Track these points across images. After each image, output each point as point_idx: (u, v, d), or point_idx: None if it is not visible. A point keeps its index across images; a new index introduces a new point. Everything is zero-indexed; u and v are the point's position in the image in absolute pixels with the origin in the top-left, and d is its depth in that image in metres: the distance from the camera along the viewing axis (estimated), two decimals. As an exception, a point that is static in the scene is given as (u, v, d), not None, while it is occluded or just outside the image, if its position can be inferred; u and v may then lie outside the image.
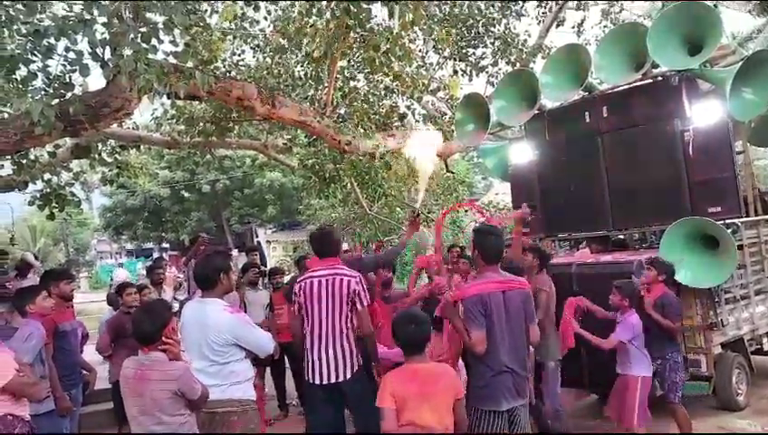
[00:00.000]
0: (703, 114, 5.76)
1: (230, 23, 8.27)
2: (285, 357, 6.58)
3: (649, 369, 4.64)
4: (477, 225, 4.71)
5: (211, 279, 3.54)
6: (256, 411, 3.56)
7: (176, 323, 3.17)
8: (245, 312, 6.52)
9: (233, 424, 3.34)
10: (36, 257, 11.59)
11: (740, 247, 5.59)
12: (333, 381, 3.99)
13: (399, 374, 3.06)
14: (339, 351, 4.02)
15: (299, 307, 4.14)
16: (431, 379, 3.02)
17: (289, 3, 7.44)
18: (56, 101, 4.58)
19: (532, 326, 3.59)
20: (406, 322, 3.14)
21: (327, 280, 4.07)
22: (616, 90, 6.49)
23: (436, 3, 8.85)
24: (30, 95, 4.30)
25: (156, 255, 37.26)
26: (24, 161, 5.77)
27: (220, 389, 3.31)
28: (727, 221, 5.55)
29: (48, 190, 6.21)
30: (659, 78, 6.20)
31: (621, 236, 6.94)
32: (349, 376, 4.01)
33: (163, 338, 3.01)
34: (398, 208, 13.21)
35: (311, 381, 4.04)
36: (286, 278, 7.37)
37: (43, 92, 4.54)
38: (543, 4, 11.24)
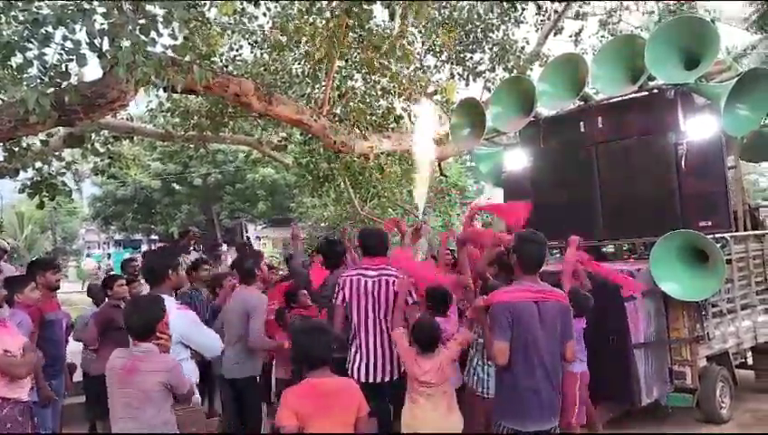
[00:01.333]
0: (697, 128, 5.81)
1: (229, 17, 8.26)
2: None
3: (584, 365, 4.75)
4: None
5: (158, 275, 3.48)
6: (200, 413, 3.52)
7: (168, 318, 3.15)
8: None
9: None
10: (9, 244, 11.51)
11: (728, 262, 5.64)
12: (378, 381, 4.09)
13: (299, 390, 2.93)
14: (386, 351, 4.14)
15: (342, 300, 4.22)
16: (331, 395, 2.90)
17: (289, 1, 7.44)
18: (52, 89, 4.54)
19: (569, 342, 3.35)
20: (305, 335, 2.98)
21: (376, 280, 4.19)
22: (612, 101, 6.52)
23: (436, 6, 8.86)
24: (25, 83, 4.27)
25: (144, 246, 37.14)
26: (17, 149, 5.72)
27: None
28: (717, 235, 5.59)
29: (39, 179, 6.16)
30: (655, 91, 6.24)
31: (612, 247, 6.97)
32: (395, 377, 4.12)
33: (157, 332, 3.00)
34: (390, 209, 13.22)
35: (362, 379, 4.07)
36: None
37: (38, 81, 4.50)
38: (542, 13, 11.27)
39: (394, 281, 4.20)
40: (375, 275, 4.23)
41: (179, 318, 3.35)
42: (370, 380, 4.09)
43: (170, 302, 3.39)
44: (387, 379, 4.12)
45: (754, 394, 6.71)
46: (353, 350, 4.20)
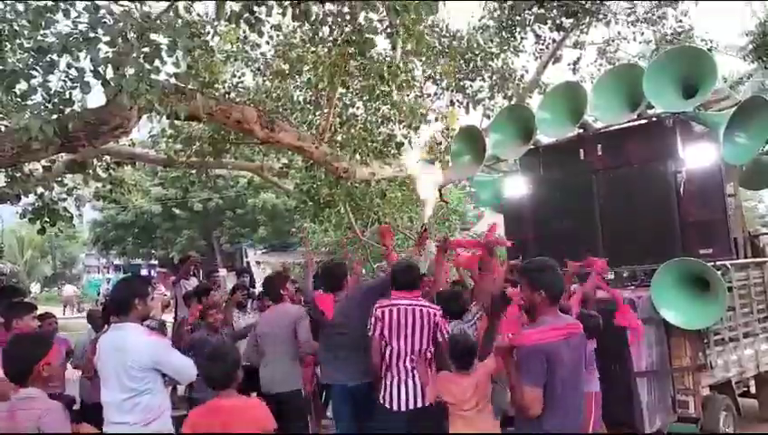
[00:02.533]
0: (696, 156, 5.84)
1: (232, 45, 8.37)
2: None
3: (598, 385, 4.71)
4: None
5: (125, 304, 3.41)
6: None
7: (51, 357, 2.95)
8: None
9: None
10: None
11: (729, 290, 5.62)
12: (412, 407, 4.10)
13: (202, 410, 2.96)
14: (419, 380, 4.16)
15: (380, 331, 4.22)
16: (235, 413, 2.91)
17: (291, 29, 7.53)
18: (55, 116, 4.58)
19: (588, 372, 3.32)
20: (210, 358, 3.02)
21: (411, 309, 4.21)
22: (611, 129, 6.56)
23: (435, 36, 8.98)
24: (29, 110, 4.31)
25: (144, 271, 37.04)
26: (19, 175, 5.76)
27: (133, 428, 3.20)
28: (718, 263, 5.58)
29: (41, 205, 6.18)
30: (654, 119, 6.29)
31: (612, 274, 6.95)
32: (427, 404, 4.13)
33: (42, 374, 2.84)
34: (390, 235, 13.21)
35: (388, 406, 4.13)
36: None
37: (42, 107, 4.55)
38: (541, 42, 11.42)
39: (435, 313, 4.26)
40: (410, 304, 4.25)
41: (151, 343, 3.32)
42: (403, 408, 4.12)
43: (139, 328, 3.38)
44: (420, 405, 4.15)
45: (759, 424, 6.63)
46: (388, 381, 4.22)
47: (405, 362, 4.19)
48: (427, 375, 4.20)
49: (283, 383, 4.95)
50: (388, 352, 4.22)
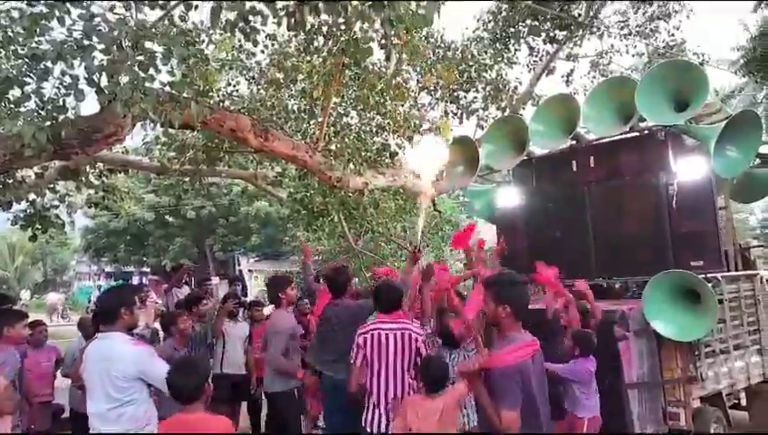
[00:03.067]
0: (687, 169, 5.89)
1: (227, 54, 8.38)
2: (263, 393, 6.48)
3: (595, 410, 4.67)
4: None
5: (112, 313, 3.40)
6: None
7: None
8: (223, 344, 6.47)
9: None
10: None
11: (720, 302, 5.65)
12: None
13: (166, 424, 2.95)
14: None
15: (363, 358, 4.21)
16: (198, 429, 2.89)
17: (286, 38, 7.55)
18: (48, 123, 4.56)
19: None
20: (176, 372, 3.00)
21: (393, 334, 4.18)
22: (603, 141, 6.62)
23: (430, 47, 9.02)
24: (22, 117, 4.29)
25: (135, 278, 36.85)
26: (11, 181, 5.72)
27: None
28: (709, 275, 5.61)
29: (32, 211, 6.15)
30: (646, 132, 6.34)
31: (604, 285, 6.98)
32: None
33: None
34: (382, 244, 13.21)
35: (369, 429, 4.13)
36: (266, 310, 7.30)
37: (35, 114, 4.53)
38: (534, 54, 11.50)
39: (417, 337, 4.20)
40: (395, 328, 4.22)
41: (136, 352, 3.31)
42: (384, 430, 4.10)
43: (124, 337, 3.36)
44: None
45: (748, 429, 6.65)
46: (371, 404, 4.20)
47: (389, 386, 4.17)
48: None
49: (273, 385, 5.26)
50: (369, 376, 4.21)
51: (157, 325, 6.80)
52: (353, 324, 4.50)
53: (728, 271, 6.15)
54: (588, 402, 4.67)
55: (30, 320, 5.60)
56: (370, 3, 3.78)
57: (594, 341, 4.81)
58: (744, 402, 6.89)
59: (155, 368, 3.30)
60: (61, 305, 30.42)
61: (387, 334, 4.19)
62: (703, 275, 5.49)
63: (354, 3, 4.14)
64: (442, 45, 9.88)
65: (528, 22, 11.24)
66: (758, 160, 7.26)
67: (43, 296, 38.49)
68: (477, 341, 4.42)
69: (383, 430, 4.09)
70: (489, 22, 11.53)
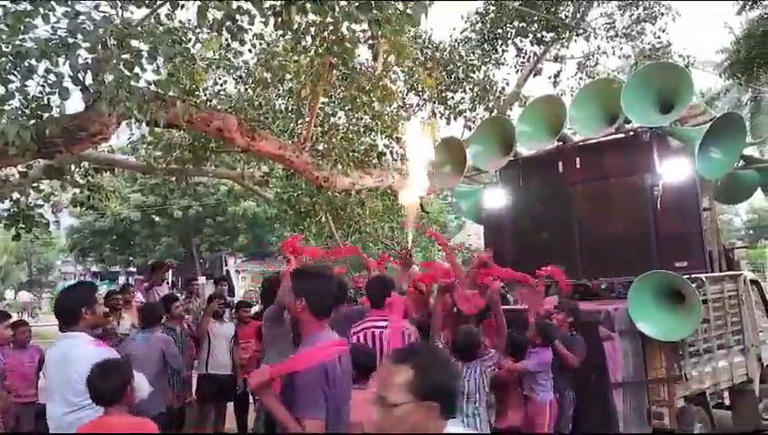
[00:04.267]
0: (672, 170, 5.93)
1: (214, 53, 8.34)
2: (249, 393, 6.46)
3: (552, 394, 4.95)
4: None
5: (72, 313, 3.24)
6: None
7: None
8: (209, 344, 6.44)
9: None
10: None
11: (704, 302, 5.70)
12: None
13: (89, 427, 2.85)
14: None
15: None
16: (123, 432, 2.81)
17: (273, 37, 7.53)
18: (32, 122, 4.52)
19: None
20: (97, 373, 2.89)
21: (387, 332, 4.06)
22: (589, 142, 6.65)
23: (418, 47, 9.03)
24: (6, 115, 4.24)
25: (122, 278, 36.58)
26: (-6, 180, 5.68)
27: None
28: (693, 276, 5.66)
29: (16, 210, 6.09)
30: (631, 133, 6.38)
31: (590, 285, 7.02)
32: None
33: None
34: (370, 244, 13.20)
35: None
36: (254, 310, 7.28)
37: (19, 113, 4.49)
38: (522, 55, 11.55)
39: (410, 334, 4.11)
40: (384, 326, 4.10)
41: (97, 354, 3.10)
42: None
43: (84, 338, 3.22)
44: None
45: (732, 429, 6.71)
46: None
47: None
48: None
49: None
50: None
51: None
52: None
53: (712, 272, 6.21)
54: (548, 387, 4.94)
55: (12, 320, 5.57)
56: (357, 4, 3.78)
57: (555, 331, 5.01)
58: (727, 402, 6.96)
59: None
60: (32, 305, 30.03)
61: (380, 332, 4.10)
62: (687, 276, 5.52)
63: (342, 3, 4.15)
64: (430, 46, 9.90)
65: (516, 23, 11.30)
66: (742, 162, 7.35)
67: (42, 297, 38.17)
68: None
69: None
70: (477, 23, 11.57)
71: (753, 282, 7.08)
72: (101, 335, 5.25)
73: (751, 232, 39.50)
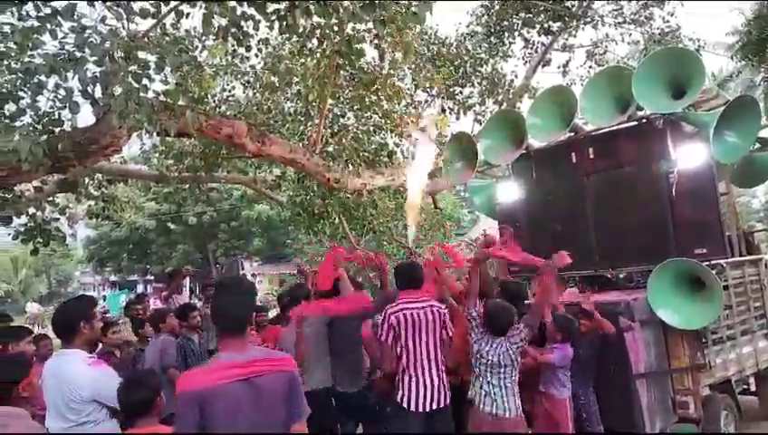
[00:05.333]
0: (687, 156, 5.84)
1: (221, 59, 8.37)
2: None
3: (570, 391, 4.91)
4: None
5: (69, 328, 3.17)
6: None
7: (32, 378, 2.94)
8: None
9: None
10: None
11: (726, 288, 5.63)
12: (435, 407, 4.25)
13: None
14: (441, 379, 4.34)
15: (394, 338, 4.34)
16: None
17: (279, 41, 7.54)
18: (44, 137, 4.56)
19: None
20: (127, 385, 2.94)
21: (423, 311, 4.35)
22: (601, 131, 6.57)
23: (425, 42, 9.00)
24: (18, 132, 4.28)
25: (140, 287, 36.92)
26: (9, 196, 5.72)
27: None
28: (713, 262, 5.59)
29: (33, 225, 6.15)
30: (644, 120, 6.29)
31: (609, 276, 6.95)
32: (448, 403, 4.33)
33: (21, 393, 2.86)
34: (385, 243, 13.19)
35: (413, 408, 4.24)
36: (271, 314, 7.28)
37: (31, 129, 4.53)
38: (530, 46, 11.47)
39: (443, 312, 4.43)
40: (421, 305, 4.39)
41: (91, 374, 3.09)
42: (427, 408, 4.25)
43: (80, 356, 3.14)
44: (442, 405, 4.31)
45: (760, 422, 6.63)
46: (407, 381, 4.33)
47: (422, 362, 4.31)
48: None
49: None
50: (405, 356, 4.34)
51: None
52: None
53: (732, 257, 6.13)
54: (568, 384, 4.89)
55: (35, 335, 5.62)
56: (361, 4, 3.76)
57: (576, 327, 4.95)
58: (753, 388, 6.87)
59: (112, 392, 3.04)
60: (41, 316, 30.28)
61: (417, 313, 4.34)
62: (707, 263, 5.46)
63: (345, 3, 4.13)
64: (436, 42, 9.86)
65: (522, 14, 11.23)
66: (758, 145, 7.24)
67: (48, 308, 38.58)
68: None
69: (420, 408, 4.22)
70: (483, 16, 11.52)
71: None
72: (107, 352, 5.29)
73: (770, 214, 38.95)
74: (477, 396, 4.35)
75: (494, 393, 4.26)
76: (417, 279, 4.52)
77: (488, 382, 4.30)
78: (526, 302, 5.41)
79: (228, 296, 2.52)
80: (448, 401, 4.35)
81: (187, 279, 10.78)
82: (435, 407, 4.26)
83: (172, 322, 5.79)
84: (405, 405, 4.27)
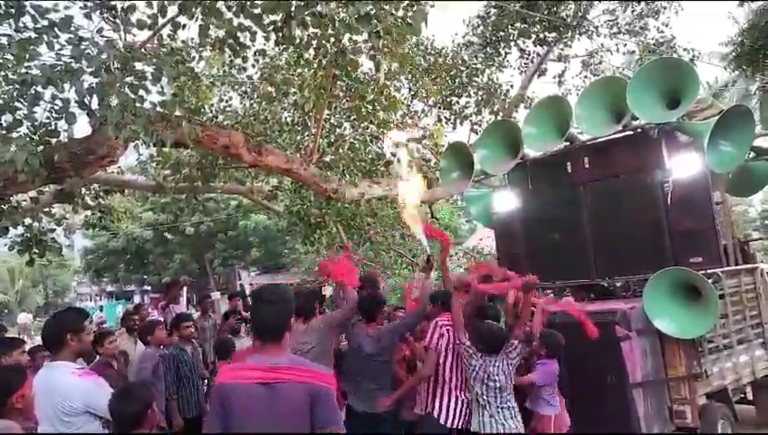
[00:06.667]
0: (682, 166, 5.86)
1: (218, 70, 8.40)
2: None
3: (557, 408, 4.88)
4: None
5: (57, 341, 3.16)
6: None
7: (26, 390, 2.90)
8: (227, 360, 6.44)
9: None
10: None
11: (721, 297, 5.64)
12: (459, 426, 4.51)
13: None
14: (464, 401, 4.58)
15: (438, 347, 4.66)
16: None
17: (276, 52, 7.57)
18: (41, 148, 4.57)
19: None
20: (119, 397, 2.93)
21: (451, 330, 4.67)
22: (597, 141, 6.60)
23: (420, 54, 9.04)
24: (14, 143, 4.29)
25: (137, 297, 36.83)
26: (5, 207, 5.71)
27: None
28: (708, 271, 5.60)
29: (29, 236, 6.13)
30: (639, 130, 6.32)
31: (605, 285, 6.96)
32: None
33: (15, 405, 2.83)
34: (382, 253, 13.20)
35: (455, 426, 4.50)
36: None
37: (27, 139, 4.53)
38: (525, 56, 11.54)
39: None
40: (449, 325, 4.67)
41: (81, 386, 3.07)
42: (454, 425, 4.51)
43: (69, 368, 3.14)
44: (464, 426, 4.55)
45: (756, 430, 6.62)
46: (451, 397, 4.59)
47: (455, 379, 4.60)
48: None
49: None
50: (443, 369, 4.60)
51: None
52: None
53: (728, 266, 6.14)
54: (553, 401, 4.85)
55: (31, 346, 5.61)
56: (357, 16, 3.78)
57: (561, 342, 4.91)
58: (750, 397, 6.87)
59: (102, 402, 3.03)
60: (30, 326, 30.12)
61: (449, 331, 4.65)
62: (703, 272, 5.47)
63: (341, 15, 4.16)
64: (432, 52, 9.91)
65: (517, 25, 11.29)
66: (753, 154, 7.27)
67: (43, 319, 38.43)
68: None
69: (452, 424, 4.47)
70: (478, 26, 11.58)
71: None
72: (104, 363, 5.25)
73: (766, 222, 39.05)
74: (486, 426, 4.34)
75: (504, 416, 4.32)
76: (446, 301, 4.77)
77: (499, 409, 4.34)
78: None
79: (262, 305, 2.64)
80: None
81: (185, 289, 10.79)
82: (466, 426, 4.50)
83: (160, 334, 5.74)
84: (448, 422, 4.51)
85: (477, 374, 4.35)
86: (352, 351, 4.96)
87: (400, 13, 4.74)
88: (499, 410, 4.31)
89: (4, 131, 4.64)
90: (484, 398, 4.33)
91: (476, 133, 10.06)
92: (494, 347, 4.36)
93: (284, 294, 2.68)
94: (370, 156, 8.17)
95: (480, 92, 10.12)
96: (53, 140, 4.71)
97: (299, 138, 8.28)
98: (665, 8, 11.59)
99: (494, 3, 11.31)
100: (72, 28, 4.18)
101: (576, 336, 5.17)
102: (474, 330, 4.49)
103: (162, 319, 8.41)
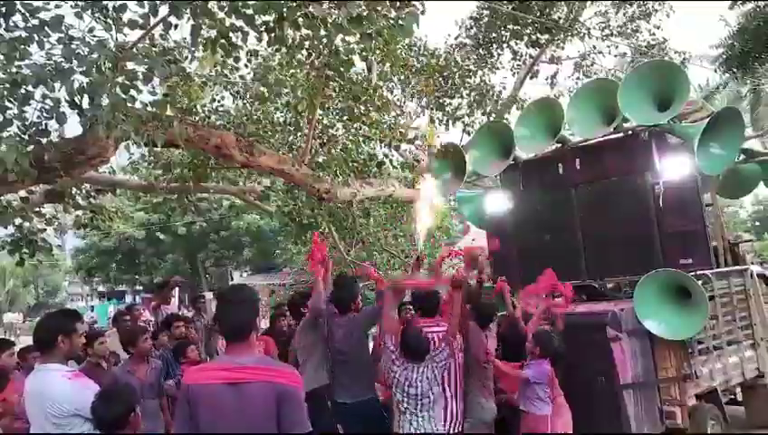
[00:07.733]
0: (672, 168, 5.89)
1: (210, 70, 8.37)
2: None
3: (550, 407, 4.86)
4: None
5: (47, 342, 3.14)
6: None
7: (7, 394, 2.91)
8: (219, 361, 6.42)
9: None
10: None
11: (711, 298, 5.67)
12: (453, 430, 4.54)
13: None
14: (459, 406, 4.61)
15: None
16: None
17: (269, 52, 7.55)
18: (31, 147, 4.54)
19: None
20: (102, 398, 2.95)
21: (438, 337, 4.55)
22: (588, 143, 6.63)
23: (413, 55, 9.05)
24: (4, 142, 4.26)
25: (129, 297, 36.66)
26: (-4, 207, 5.68)
27: None
28: (698, 273, 5.63)
29: (19, 236, 6.10)
30: (630, 132, 6.35)
31: (596, 286, 6.99)
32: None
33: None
34: (375, 253, 13.20)
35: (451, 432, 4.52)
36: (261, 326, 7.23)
37: (17, 139, 4.50)
38: (518, 58, 11.57)
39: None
40: (436, 331, 4.58)
41: (70, 388, 3.05)
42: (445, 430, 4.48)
43: (59, 371, 3.11)
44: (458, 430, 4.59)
45: (746, 431, 6.66)
46: (450, 403, 4.57)
47: (460, 381, 4.62)
48: None
49: None
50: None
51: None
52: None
53: (718, 267, 6.18)
54: (548, 400, 4.83)
55: (21, 347, 5.56)
56: (349, 18, 3.78)
57: (555, 341, 4.92)
58: (739, 398, 6.91)
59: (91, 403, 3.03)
60: (16, 326, 29.96)
61: (437, 338, 4.54)
62: (693, 273, 5.51)
63: (333, 17, 4.16)
64: (425, 53, 9.92)
65: (510, 26, 11.32)
66: (743, 156, 7.33)
67: (35, 319, 38.22)
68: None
69: (447, 429, 4.44)
70: (471, 28, 11.61)
71: (761, 276, 7.02)
72: (94, 364, 5.20)
73: (757, 224, 39.33)
74: (404, 429, 4.27)
75: (423, 427, 4.21)
76: (433, 307, 4.80)
77: (418, 418, 4.22)
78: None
79: (227, 305, 2.64)
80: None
81: (177, 289, 10.74)
82: (458, 429, 4.55)
83: (145, 345, 5.37)
84: (444, 429, 4.47)
85: (398, 380, 4.23)
86: (330, 342, 5.00)
87: (392, 14, 4.75)
88: (416, 416, 4.22)
89: (-7, 131, 4.62)
90: (404, 405, 4.23)
91: (469, 134, 10.08)
92: (419, 355, 4.27)
93: (249, 295, 2.69)
94: (363, 156, 8.16)
95: (472, 94, 10.15)
96: (44, 140, 4.67)
97: (291, 138, 8.26)
98: (656, 11, 11.65)
99: (486, 4, 11.34)
100: (63, 27, 4.15)
101: (566, 337, 5.21)
102: (402, 337, 4.38)
103: (153, 319, 8.40)
